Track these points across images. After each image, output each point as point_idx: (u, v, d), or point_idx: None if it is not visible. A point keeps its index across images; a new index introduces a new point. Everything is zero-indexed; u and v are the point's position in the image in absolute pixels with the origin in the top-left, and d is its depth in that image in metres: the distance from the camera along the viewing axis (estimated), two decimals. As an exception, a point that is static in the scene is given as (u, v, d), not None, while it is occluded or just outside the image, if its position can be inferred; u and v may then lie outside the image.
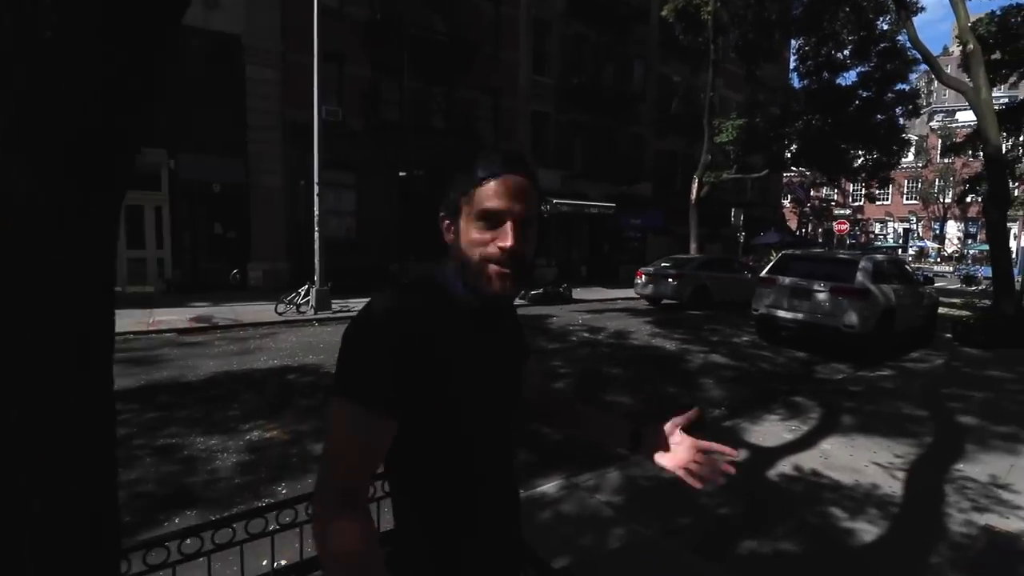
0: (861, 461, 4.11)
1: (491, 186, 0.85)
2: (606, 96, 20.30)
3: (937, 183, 36.40)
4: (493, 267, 0.86)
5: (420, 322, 0.85)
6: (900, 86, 17.86)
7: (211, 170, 13.11)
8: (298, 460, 4.15)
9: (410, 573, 0.89)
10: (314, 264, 11.49)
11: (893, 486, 3.67)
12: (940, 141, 20.40)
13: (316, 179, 11.25)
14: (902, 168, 42.02)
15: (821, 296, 7.86)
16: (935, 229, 39.76)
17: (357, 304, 12.47)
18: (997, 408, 5.61)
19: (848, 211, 41.37)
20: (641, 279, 13.75)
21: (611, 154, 21.27)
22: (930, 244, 37.43)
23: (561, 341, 8.88)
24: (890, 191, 42.53)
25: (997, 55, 15.25)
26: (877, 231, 43.69)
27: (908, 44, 15.46)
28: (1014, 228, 34.95)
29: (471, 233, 0.87)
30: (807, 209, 38.66)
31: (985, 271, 24.67)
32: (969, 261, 31.98)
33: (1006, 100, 17.17)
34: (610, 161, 21.15)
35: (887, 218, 42.46)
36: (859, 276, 7.68)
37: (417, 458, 0.89)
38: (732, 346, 8.86)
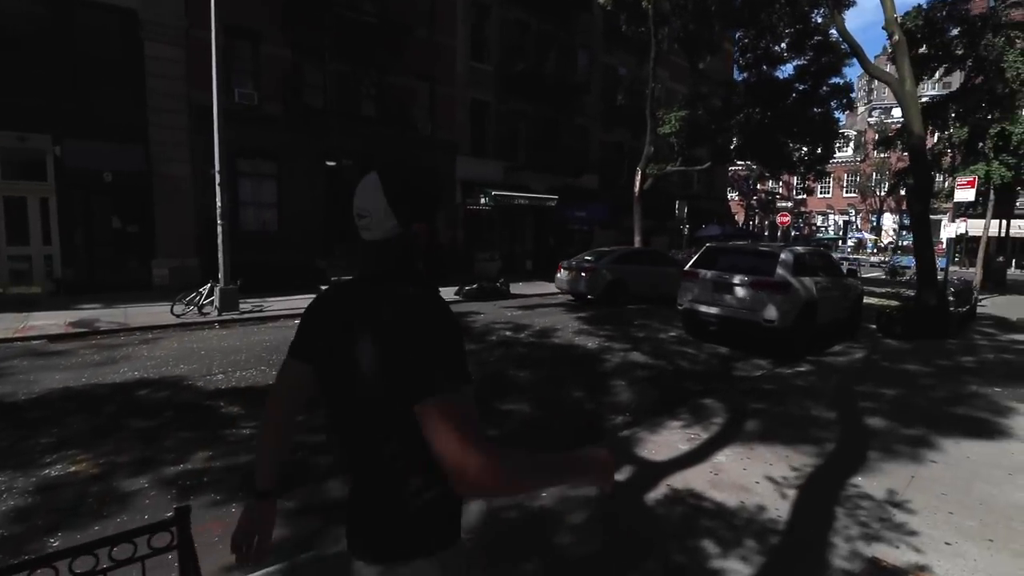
0: (753, 476, 3.68)
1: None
2: (549, 85, 19.77)
3: (874, 177, 37.82)
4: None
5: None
6: (835, 80, 18.09)
7: (104, 157, 11.84)
8: (94, 502, 3.40)
9: (427, 516, 1.05)
10: (219, 260, 10.48)
11: (780, 508, 3.24)
12: (876, 136, 20.98)
13: (217, 166, 10.23)
14: (842, 162, 43.44)
15: (741, 290, 7.55)
16: (872, 221, 41.34)
17: (273, 303, 11.55)
18: (907, 407, 5.36)
19: (791, 204, 42.50)
20: (560, 273, 13.12)
21: (555, 145, 20.79)
22: (868, 236, 38.83)
23: (478, 341, 8.29)
24: (830, 185, 43.91)
25: (924, 49, 15.58)
26: (819, 223, 45.13)
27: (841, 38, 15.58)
28: (944, 219, 36.68)
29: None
30: (753, 202, 39.46)
31: (912, 261, 25.60)
32: (899, 252, 33.33)
33: (939, 95, 17.64)
34: (554, 152, 20.68)
35: (828, 211, 43.84)
36: (779, 269, 7.41)
37: None
38: (656, 343, 8.48)
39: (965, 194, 11.97)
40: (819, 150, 19.49)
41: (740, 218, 43.27)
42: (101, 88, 11.85)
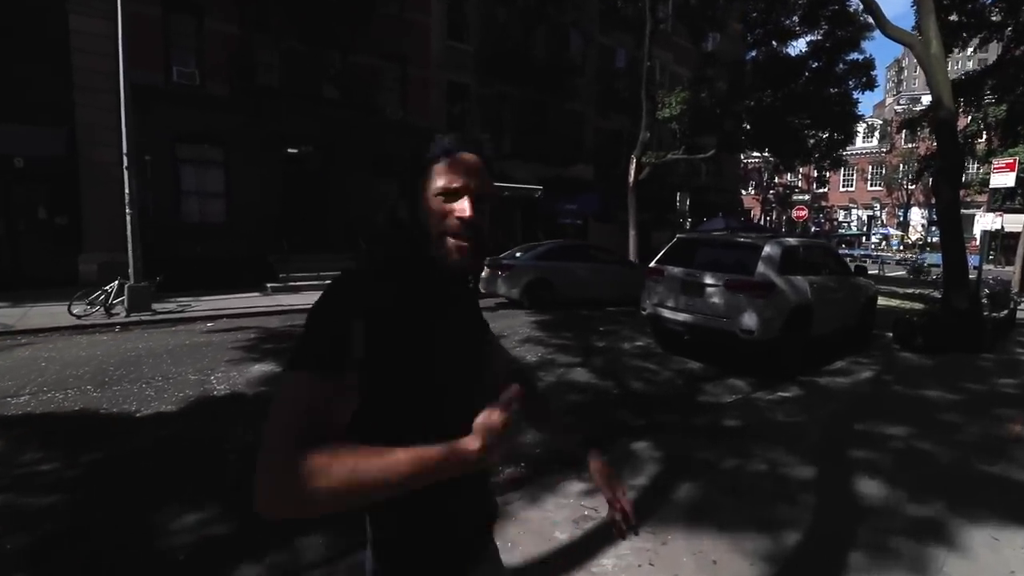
0: (644, 609, 2.21)
1: (447, 162, 0.91)
2: (538, 67, 18.22)
3: (901, 168, 35.18)
4: (451, 239, 0.89)
5: (383, 290, 0.86)
6: (853, 56, 16.19)
7: (24, 140, 10.77)
8: None
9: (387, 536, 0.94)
10: (128, 254, 9.31)
11: None
12: (902, 118, 18.69)
13: (124, 148, 9.06)
14: (865, 153, 40.86)
15: (713, 292, 6.00)
16: (899, 216, 38.68)
17: (204, 303, 10.36)
18: (922, 461, 3.80)
19: (808, 197, 39.80)
20: (483, 272, 11.18)
21: (545, 132, 19.24)
22: (894, 232, 36.10)
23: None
24: (853, 177, 41.27)
25: (955, 17, 13.67)
26: (841, 218, 42.47)
27: (859, 6, 13.77)
28: (977, 214, 34.01)
29: (431, 207, 0.91)
30: (770, 196, 37.19)
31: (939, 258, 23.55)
32: (929, 249, 30.92)
33: (974, 71, 15.56)
34: (544, 140, 19.15)
35: (851, 205, 41.10)
36: (760, 266, 5.83)
37: (388, 421, 0.86)
38: (613, 355, 6.98)
39: (1003, 179, 10.17)
40: (836, 135, 17.58)
41: (756, 213, 41.14)
42: (21, 65, 10.75)
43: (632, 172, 17.13)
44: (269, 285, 12.09)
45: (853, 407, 5.00)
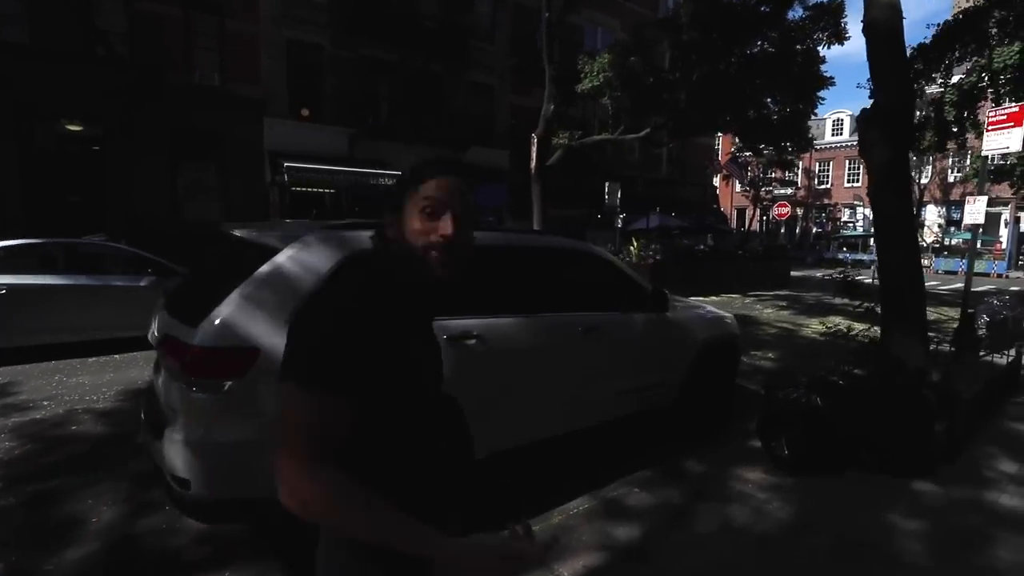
0: None
1: (432, 183, 0.94)
2: (425, 28, 14.73)
3: (912, 160, 30.52)
4: (434, 253, 0.92)
5: (381, 304, 0.88)
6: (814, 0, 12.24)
7: None
8: None
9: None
10: None
11: None
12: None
13: None
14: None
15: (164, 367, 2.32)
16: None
17: None
18: None
19: (791, 191, 34.65)
20: None
21: (437, 109, 15.72)
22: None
23: None
24: (859, 171, 36.49)
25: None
26: (846, 217, 37.60)
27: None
28: (1005, 213, 29.11)
29: (415, 224, 0.93)
30: (764, 192, 32.65)
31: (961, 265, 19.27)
32: (946, 254, 26.35)
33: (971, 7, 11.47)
34: (435, 118, 15.62)
35: (857, 202, 36.20)
36: (225, 306, 2.17)
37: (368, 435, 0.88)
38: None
39: (1004, 139, 6.25)
40: (797, 104, 13.68)
41: (750, 213, 36.84)
42: None
43: (533, 155, 13.50)
44: None
45: None
